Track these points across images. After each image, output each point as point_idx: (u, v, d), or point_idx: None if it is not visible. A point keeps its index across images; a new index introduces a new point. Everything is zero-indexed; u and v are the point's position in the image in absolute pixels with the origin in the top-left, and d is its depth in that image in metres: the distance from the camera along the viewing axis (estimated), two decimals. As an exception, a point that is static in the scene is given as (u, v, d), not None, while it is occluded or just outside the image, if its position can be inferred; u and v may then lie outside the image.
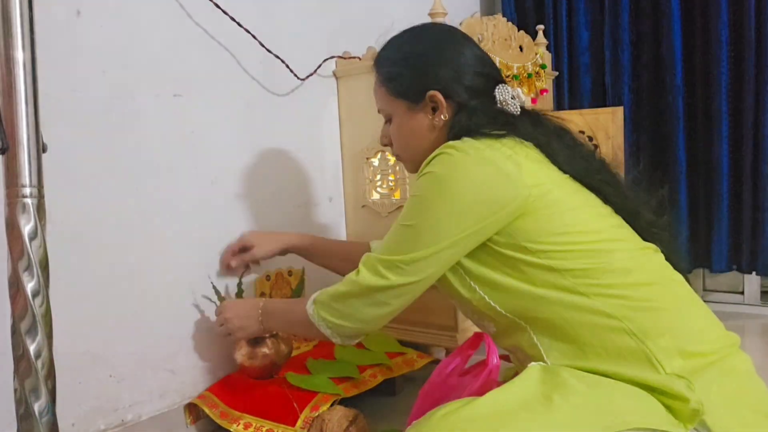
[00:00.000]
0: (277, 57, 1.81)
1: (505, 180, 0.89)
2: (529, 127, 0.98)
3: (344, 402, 1.52)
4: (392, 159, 1.91)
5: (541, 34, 2.30)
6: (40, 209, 0.81)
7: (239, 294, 1.57)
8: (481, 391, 1.03)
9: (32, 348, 0.79)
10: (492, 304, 0.95)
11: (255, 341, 1.56)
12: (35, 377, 0.79)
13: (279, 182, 1.85)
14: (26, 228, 0.79)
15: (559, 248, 0.89)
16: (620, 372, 0.84)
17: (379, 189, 1.96)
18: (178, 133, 1.58)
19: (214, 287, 1.58)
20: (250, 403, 1.50)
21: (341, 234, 2.05)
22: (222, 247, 1.68)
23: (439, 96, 1.01)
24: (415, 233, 0.95)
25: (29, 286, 0.79)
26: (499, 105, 1.01)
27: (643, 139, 2.57)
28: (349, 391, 1.55)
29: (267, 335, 1.53)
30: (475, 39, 1.88)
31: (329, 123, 2.01)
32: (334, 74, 2.02)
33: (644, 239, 0.97)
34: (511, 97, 1.00)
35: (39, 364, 0.79)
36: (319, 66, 1.95)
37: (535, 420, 0.77)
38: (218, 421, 1.47)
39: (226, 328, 1.35)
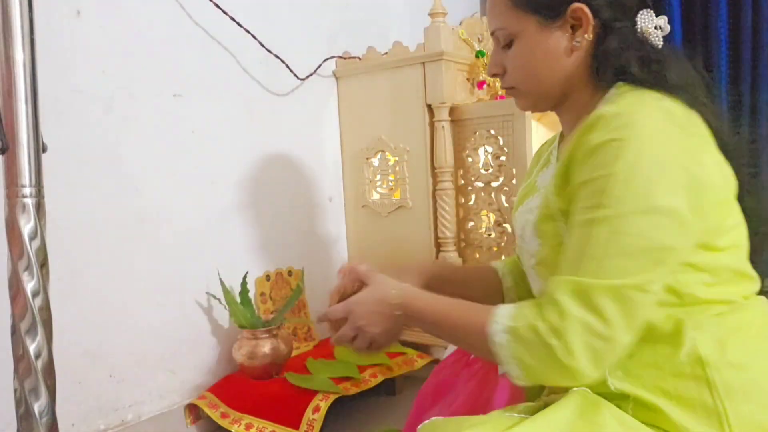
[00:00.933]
0: (277, 57, 1.81)
1: (715, 161, 0.75)
2: (682, 77, 0.79)
3: (344, 401, 1.52)
4: (392, 159, 1.91)
5: (541, 34, 2.30)
6: (40, 209, 0.81)
7: None
8: (481, 383, 1.00)
9: (32, 348, 0.79)
10: None
11: (256, 341, 1.56)
12: (35, 377, 0.79)
13: (279, 182, 1.85)
14: (26, 228, 0.79)
15: (700, 265, 0.74)
16: (680, 421, 0.71)
17: (379, 189, 1.96)
18: (178, 133, 1.58)
19: (222, 283, 1.57)
20: (251, 403, 1.50)
21: (341, 234, 2.05)
22: (222, 247, 1.68)
23: (586, 9, 0.79)
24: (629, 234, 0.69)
25: (29, 286, 0.79)
26: (639, 33, 0.81)
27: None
28: (349, 390, 1.55)
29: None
30: (475, 39, 1.88)
31: (329, 123, 2.01)
32: (334, 74, 2.02)
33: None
34: (655, 27, 0.81)
35: (39, 364, 0.79)
36: (319, 66, 1.95)
37: None
38: (219, 421, 1.47)
39: (365, 339, 0.93)
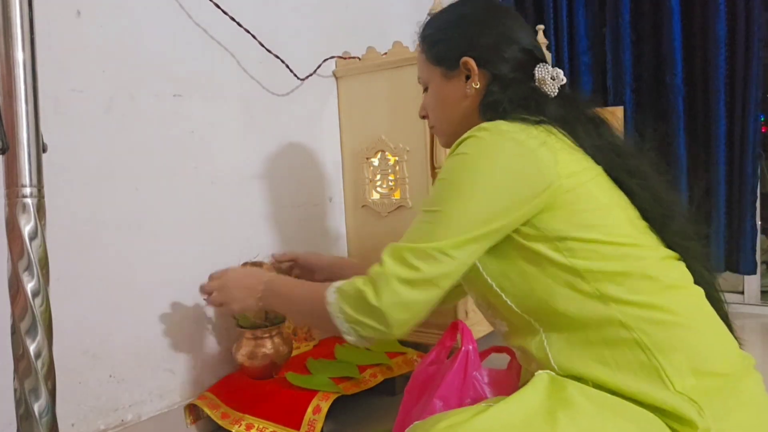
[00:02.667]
0: (277, 57, 1.81)
1: (538, 166, 0.85)
2: (560, 109, 0.93)
3: (344, 401, 1.52)
4: (392, 159, 1.91)
5: (541, 33, 2.30)
6: (40, 209, 0.81)
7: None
8: (463, 374, 1.03)
9: (32, 348, 0.79)
10: (507, 301, 0.91)
11: (256, 341, 1.57)
12: (35, 377, 0.79)
13: (279, 182, 1.85)
14: (26, 228, 0.79)
15: (584, 246, 0.84)
16: (629, 386, 0.81)
17: (379, 189, 1.96)
18: (178, 133, 1.58)
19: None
20: (251, 403, 1.50)
21: (341, 234, 2.05)
22: (221, 246, 1.68)
23: (472, 63, 0.97)
24: (445, 218, 0.86)
25: (29, 286, 0.79)
26: (537, 83, 0.96)
27: (645, 140, 2.57)
28: (349, 390, 1.55)
29: (267, 325, 1.53)
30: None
31: (329, 123, 2.01)
32: (334, 74, 2.02)
33: (669, 246, 0.91)
34: (551, 77, 0.95)
35: (39, 364, 0.79)
36: (319, 66, 1.95)
37: None
38: (219, 421, 1.47)
39: (220, 296, 1.15)
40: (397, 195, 1.93)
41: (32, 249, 0.79)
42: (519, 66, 0.97)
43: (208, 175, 1.65)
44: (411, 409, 1.17)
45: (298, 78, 1.88)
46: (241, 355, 1.57)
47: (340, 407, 1.57)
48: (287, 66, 1.84)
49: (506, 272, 0.90)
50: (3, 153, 0.78)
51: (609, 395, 0.82)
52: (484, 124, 0.88)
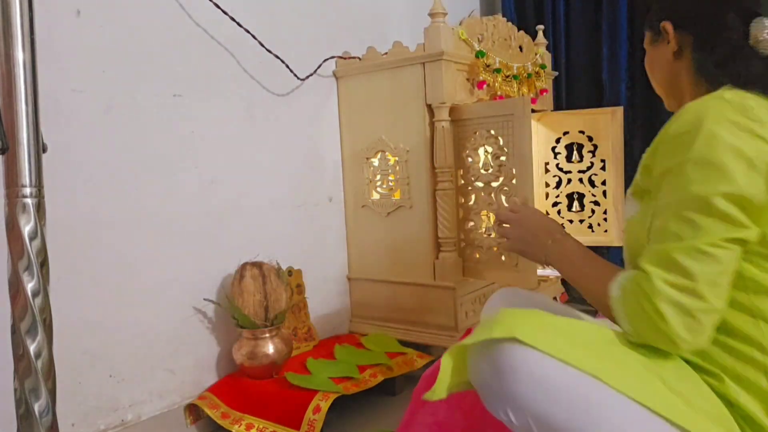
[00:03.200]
0: (277, 57, 1.81)
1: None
2: (764, 69, 0.86)
3: (344, 401, 1.52)
4: (392, 159, 1.91)
5: (540, 34, 2.30)
6: (40, 209, 0.81)
7: None
8: None
9: (32, 348, 0.79)
10: None
11: (256, 341, 1.57)
12: (35, 377, 0.79)
13: (279, 182, 1.85)
14: (26, 228, 0.79)
15: (759, 253, 0.80)
16: (737, 400, 0.80)
17: (379, 189, 1.96)
18: (178, 133, 1.58)
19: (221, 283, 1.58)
20: (251, 403, 1.50)
21: (341, 234, 2.05)
22: (221, 246, 1.68)
23: (668, 26, 0.95)
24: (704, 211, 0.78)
25: (29, 286, 0.79)
26: (751, 41, 0.88)
27: (638, 138, 2.58)
28: (349, 390, 1.55)
29: (267, 325, 1.53)
30: (475, 39, 1.88)
31: (329, 123, 2.01)
32: (334, 74, 2.02)
33: None
34: (767, 33, 0.87)
35: (39, 364, 0.79)
36: (319, 66, 1.95)
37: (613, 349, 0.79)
38: (219, 421, 1.47)
39: (513, 232, 1.12)
40: (397, 195, 1.92)
41: (32, 249, 0.79)
42: (724, 24, 0.90)
43: (208, 175, 1.65)
44: (418, 411, 1.16)
45: (298, 78, 1.88)
46: (241, 355, 1.58)
47: (340, 407, 1.57)
48: (287, 66, 1.84)
49: None
50: (3, 153, 0.78)
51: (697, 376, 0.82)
52: (727, 96, 0.81)
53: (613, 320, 0.85)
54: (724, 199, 0.75)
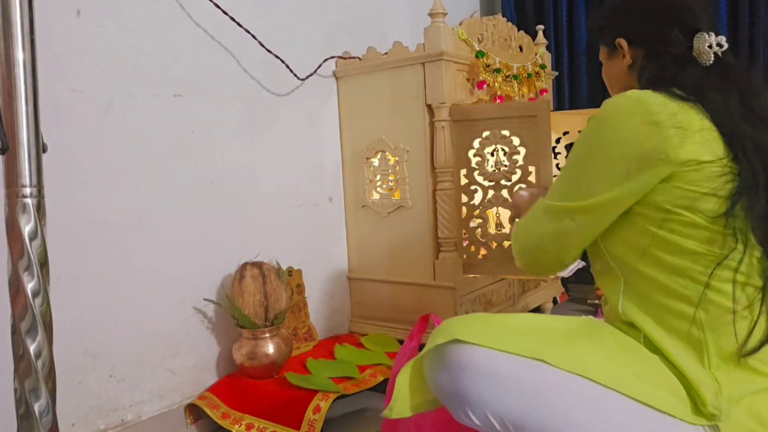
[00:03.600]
0: (277, 57, 1.81)
1: (661, 141, 0.86)
2: (701, 77, 0.95)
3: (344, 401, 1.52)
4: (392, 159, 1.91)
5: (541, 34, 2.30)
6: (40, 209, 0.81)
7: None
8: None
9: (32, 348, 0.79)
10: (602, 247, 0.98)
11: (256, 341, 1.57)
12: (35, 377, 0.79)
13: (279, 182, 1.85)
14: (26, 228, 0.79)
15: (681, 221, 0.87)
16: (671, 350, 0.87)
17: (379, 189, 1.96)
18: (178, 133, 1.58)
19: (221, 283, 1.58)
20: (251, 403, 1.50)
21: (341, 234, 2.05)
22: (221, 246, 1.68)
23: (622, 41, 1.05)
24: (569, 180, 0.96)
25: (29, 286, 0.79)
26: (695, 53, 0.98)
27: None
28: (349, 389, 1.55)
29: (267, 325, 1.53)
30: (475, 39, 1.88)
31: (329, 123, 2.01)
32: (334, 74, 2.02)
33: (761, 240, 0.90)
34: (708, 46, 0.96)
35: (39, 364, 0.79)
36: (319, 66, 1.95)
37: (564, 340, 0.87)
38: (219, 421, 1.47)
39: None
40: (397, 195, 1.92)
41: (32, 249, 0.79)
42: (669, 39, 1.00)
43: (208, 175, 1.65)
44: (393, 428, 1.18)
45: (298, 78, 1.88)
46: (241, 355, 1.58)
47: (340, 407, 1.57)
48: (287, 66, 1.84)
49: (611, 228, 0.95)
50: (3, 153, 0.78)
51: (645, 350, 0.90)
52: (629, 91, 0.93)
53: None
54: (593, 169, 0.91)
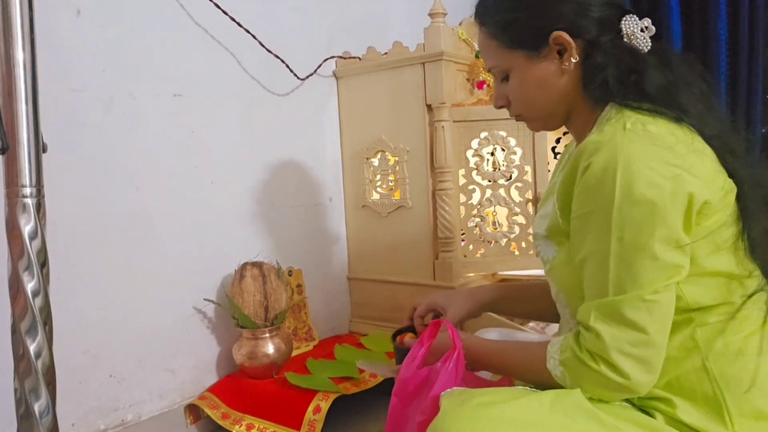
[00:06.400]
0: (277, 57, 1.81)
1: (696, 176, 0.76)
2: (662, 76, 0.82)
3: (344, 401, 1.52)
4: (392, 159, 1.91)
5: (541, 34, 2.30)
6: (40, 209, 0.81)
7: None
8: (455, 374, 1.02)
9: (32, 348, 0.79)
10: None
11: (256, 341, 1.57)
12: (35, 377, 0.79)
13: (279, 182, 1.85)
14: (26, 228, 0.79)
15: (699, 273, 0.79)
16: (688, 416, 0.78)
17: (379, 189, 1.96)
18: (178, 133, 1.58)
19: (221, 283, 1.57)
20: (252, 403, 1.50)
21: (341, 234, 2.05)
22: (221, 246, 1.68)
23: (565, 36, 0.84)
24: (630, 263, 0.76)
25: (29, 286, 0.79)
26: (626, 39, 0.84)
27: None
28: (349, 390, 1.55)
29: (267, 325, 1.54)
30: (475, 39, 1.88)
31: (329, 123, 2.01)
32: (334, 74, 2.02)
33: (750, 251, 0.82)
34: (641, 29, 0.83)
35: (39, 364, 0.79)
36: (319, 66, 1.95)
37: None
38: (220, 422, 1.47)
39: None
40: (397, 195, 1.92)
41: (32, 249, 0.79)
42: (608, 25, 0.84)
43: (208, 175, 1.65)
44: (403, 409, 1.16)
45: (298, 78, 1.88)
46: (241, 355, 1.57)
47: (340, 407, 1.57)
48: (287, 66, 1.84)
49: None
50: (3, 153, 0.78)
51: (651, 420, 0.79)
52: (629, 126, 0.77)
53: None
54: (660, 243, 0.74)
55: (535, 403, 0.77)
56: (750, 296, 0.81)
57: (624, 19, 0.84)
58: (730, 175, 0.81)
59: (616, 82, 0.82)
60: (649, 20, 0.83)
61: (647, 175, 0.73)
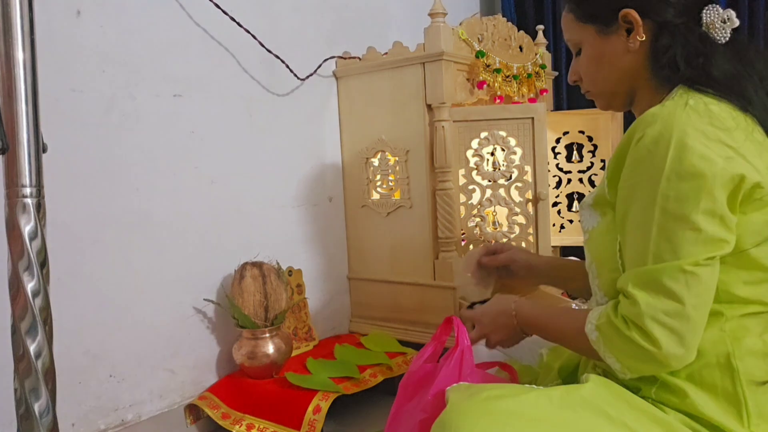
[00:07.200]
0: (277, 57, 1.81)
1: (745, 159, 0.75)
2: (730, 64, 0.83)
3: (344, 401, 1.52)
4: (392, 159, 1.91)
5: (541, 34, 2.30)
6: (40, 209, 0.81)
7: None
8: (458, 372, 1.03)
9: (32, 348, 0.79)
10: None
11: (256, 341, 1.57)
12: (35, 377, 0.79)
13: (279, 182, 1.85)
14: (26, 228, 0.79)
15: (739, 263, 0.79)
16: (704, 409, 0.78)
17: (379, 189, 1.96)
18: (178, 133, 1.58)
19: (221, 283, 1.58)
20: (252, 403, 1.50)
21: (341, 234, 2.05)
22: (221, 246, 1.68)
23: (634, 14, 0.85)
24: (679, 232, 0.76)
25: (29, 286, 0.79)
26: (704, 28, 0.84)
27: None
28: (350, 389, 1.55)
29: (267, 325, 1.54)
30: (475, 39, 1.88)
31: (329, 123, 2.01)
32: (334, 74, 2.02)
33: None
34: (722, 20, 0.83)
35: (39, 364, 0.79)
36: (319, 66, 1.95)
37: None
38: (220, 422, 1.47)
39: (492, 342, 1.08)
40: (397, 195, 1.92)
41: (32, 249, 0.79)
42: (686, 9, 0.85)
43: (208, 175, 1.65)
44: (405, 404, 1.17)
45: (298, 78, 1.88)
46: (241, 355, 1.58)
47: (340, 407, 1.57)
48: (287, 66, 1.84)
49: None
50: (3, 153, 0.78)
51: (665, 415, 0.79)
52: (688, 102, 0.78)
53: (598, 359, 0.83)
54: (704, 215, 0.73)
55: (544, 398, 0.77)
56: None
57: (707, 8, 0.85)
58: None
59: (684, 62, 0.83)
60: (733, 12, 0.83)
61: (700, 150, 0.73)
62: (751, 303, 0.80)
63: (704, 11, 0.85)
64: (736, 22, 0.83)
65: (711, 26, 0.84)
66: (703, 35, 0.84)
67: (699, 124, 0.75)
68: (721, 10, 0.84)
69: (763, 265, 0.79)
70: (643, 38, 0.86)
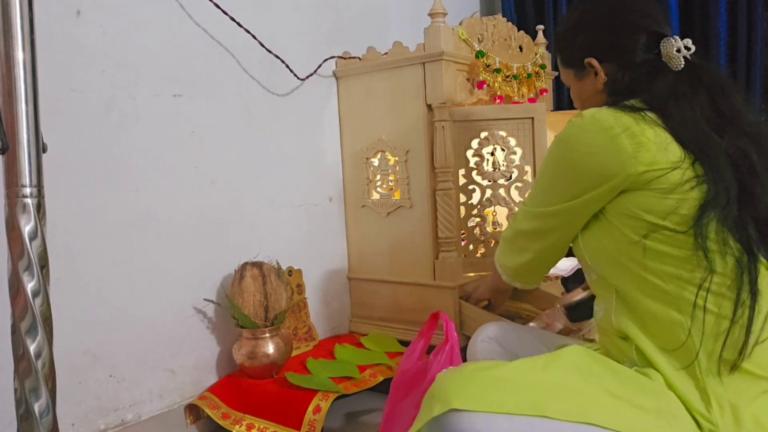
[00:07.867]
0: (277, 57, 1.81)
1: (615, 153, 0.89)
2: (669, 85, 0.96)
3: (344, 401, 1.52)
4: (392, 159, 1.91)
5: (541, 34, 2.30)
6: (40, 209, 0.81)
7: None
8: (449, 365, 1.09)
9: (32, 348, 0.79)
10: (589, 263, 1.02)
11: (256, 341, 1.57)
12: (35, 377, 0.79)
13: (279, 182, 1.85)
14: (26, 228, 0.79)
15: (664, 230, 0.88)
16: (662, 363, 0.89)
17: (379, 189, 1.96)
18: (178, 133, 1.58)
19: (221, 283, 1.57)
20: (252, 403, 1.50)
21: (341, 234, 2.05)
22: (221, 246, 1.68)
23: (595, 62, 1.06)
24: (539, 189, 1.04)
25: (29, 286, 0.79)
26: (664, 59, 0.99)
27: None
28: (350, 389, 1.55)
29: (267, 325, 1.54)
30: (475, 39, 1.88)
31: (329, 123, 2.01)
32: (334, 74, 2.02)
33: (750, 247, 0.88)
34: (677, 50, 0.98)
35: (39, 364, 0.79)
36: (319, 66, 1.95)
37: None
38: (220, 422, 1.47)
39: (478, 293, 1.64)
40: (397, 195, 1.92)
41: (32, 249, 0.79)
42: (645, 47, 1.02)
43: (208, 175, 1.65)
44: (399, 402, 1.18)
45: (298, 78, 1.88)
46: (241, 355, 1.58)
47: (340, 407, 1.57)
48: (287, 66, 1.84)
49: (594, 240, 0.99)
50: (3, 153, 0.78)
51: (633, 372, 0.91)
52: (585, 110, 0.96)
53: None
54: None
55: (529, 364, 0.87)
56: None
57: (662, 41, 1.00)
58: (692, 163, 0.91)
59: (625, 90, 0.99)
60: (689, 41, 0.97)
61: (572, 142, 0.95)
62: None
63: (661, 44, 1.00)
64: (692, 49, 0.97)
65: (667, 57, 0.99)
66: (651, 64, 1.00)
67: (582, 125, 0.94)
68: (674, 41, 0.98)
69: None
70: (605, 79, 1.05)
